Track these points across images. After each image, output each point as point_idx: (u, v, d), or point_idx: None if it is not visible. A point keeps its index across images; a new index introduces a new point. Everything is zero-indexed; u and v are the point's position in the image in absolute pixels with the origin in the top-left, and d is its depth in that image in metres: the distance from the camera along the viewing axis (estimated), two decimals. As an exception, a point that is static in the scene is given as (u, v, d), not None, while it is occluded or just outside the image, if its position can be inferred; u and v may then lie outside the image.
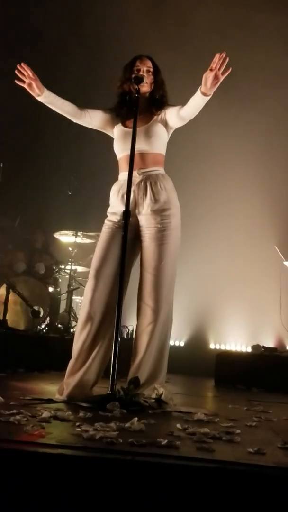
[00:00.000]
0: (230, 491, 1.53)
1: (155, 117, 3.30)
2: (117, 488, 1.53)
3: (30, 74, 3.17)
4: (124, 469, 1.56)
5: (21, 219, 7.07)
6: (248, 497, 1.52)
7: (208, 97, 3.09)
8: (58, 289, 6.96)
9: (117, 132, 3.37)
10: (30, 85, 3.19)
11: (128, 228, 3.01)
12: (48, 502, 1.53)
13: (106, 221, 3.32)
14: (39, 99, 3.26)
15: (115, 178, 3.39)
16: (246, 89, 7.35)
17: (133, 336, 3.33)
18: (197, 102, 3.13)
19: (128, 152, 3.12)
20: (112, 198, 3.34)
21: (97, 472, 1.55)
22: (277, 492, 1.53)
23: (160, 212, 3.21)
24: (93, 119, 3.41)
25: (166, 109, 3.31)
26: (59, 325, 6.50)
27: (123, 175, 3.30)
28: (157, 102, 3.32)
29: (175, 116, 3.27)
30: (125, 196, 3.13)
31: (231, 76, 2.96)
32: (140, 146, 3.19)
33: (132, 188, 3.13)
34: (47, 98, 3.27)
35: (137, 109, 3.15)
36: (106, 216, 3.34)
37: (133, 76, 3.22)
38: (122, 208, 3.18)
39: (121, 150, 3.32)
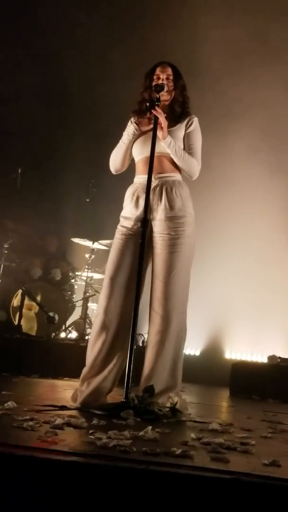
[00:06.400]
0: (245, 503, 1.50)
1: (179, 124, 3.28)
2: (130, 497, 1.51)
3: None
4: (138, 478, 1.54)
5: (40, 227, 7.14)
6: (262, 509, 1.50)
7: (164, 141, 3.15)
8: (74, 296, 6.96)
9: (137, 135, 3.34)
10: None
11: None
12: (60, 510, 1.52)
13: (119, 227, 3.28)
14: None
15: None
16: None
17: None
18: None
19: (146, 154, 3.12)
20: (126, 201, 3.31)
21: (110, 480, 1.54)
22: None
23: (174, 220, 3.17)
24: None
25: (192, 124, 3.30)
26: (74, 332, 6.51)
27: (138, 178, 3.30)
28: (178, 109, 3.30)
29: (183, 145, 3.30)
30: (139, 201, 3.15)
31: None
32: (160, 149, 3.17)
33: None
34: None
35: (156, 117, 3.14)
36: (119, 220, 3.31)
37: (153, 84, 3.23)
38: (135, 212, 3.19)
39: (139, 153, 3.30)
